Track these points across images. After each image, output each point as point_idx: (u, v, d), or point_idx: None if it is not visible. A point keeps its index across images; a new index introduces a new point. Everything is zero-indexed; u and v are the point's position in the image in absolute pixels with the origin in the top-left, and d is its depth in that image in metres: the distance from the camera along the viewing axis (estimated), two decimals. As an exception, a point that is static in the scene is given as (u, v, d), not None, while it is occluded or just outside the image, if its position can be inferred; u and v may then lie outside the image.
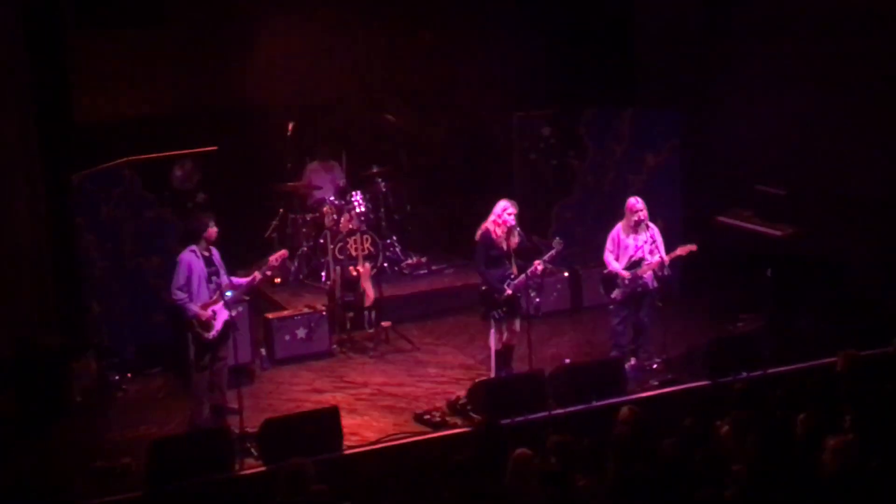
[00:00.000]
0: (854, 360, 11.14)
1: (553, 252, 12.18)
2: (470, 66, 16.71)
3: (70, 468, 11.31)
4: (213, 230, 11.73)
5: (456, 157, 17.04)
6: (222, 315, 11.74)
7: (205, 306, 11.63)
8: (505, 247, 12.19)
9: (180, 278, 11.60)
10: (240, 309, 12.84)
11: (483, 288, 12.38)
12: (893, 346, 11.63)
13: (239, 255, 14.23)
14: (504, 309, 12.28)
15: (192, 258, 11.65)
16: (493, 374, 12.52)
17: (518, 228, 12.22)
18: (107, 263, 13.26)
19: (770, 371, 12.48)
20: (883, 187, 14.60)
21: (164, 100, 15.65)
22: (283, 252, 12.38)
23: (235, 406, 11.84)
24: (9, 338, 12.82)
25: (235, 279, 11.97)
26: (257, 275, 11.97)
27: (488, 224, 12.23)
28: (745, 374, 12.38)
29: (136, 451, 11.33)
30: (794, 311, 14.15)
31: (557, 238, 12.32)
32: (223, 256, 11.95)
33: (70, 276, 13.14)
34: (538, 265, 12.13)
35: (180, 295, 11.59)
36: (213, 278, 11.70)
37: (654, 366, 12.96)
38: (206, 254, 11.71)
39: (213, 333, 11.69)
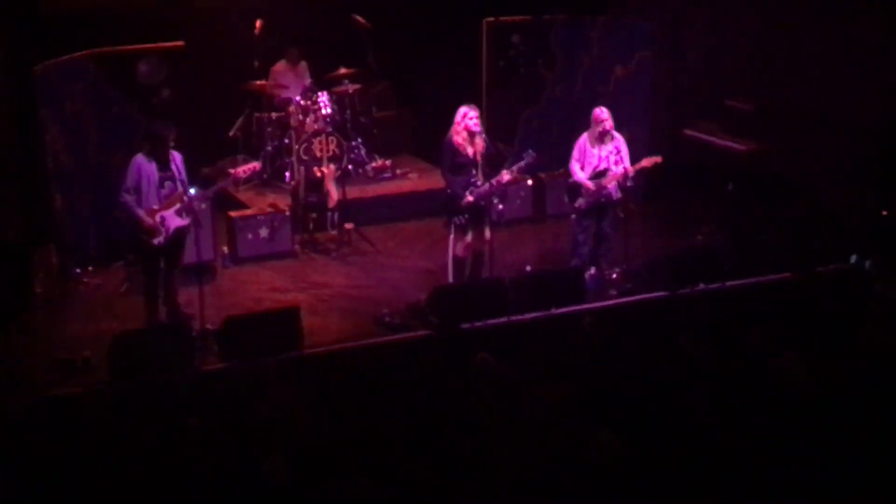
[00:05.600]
0: (809, 276, 11.28)
1: (522, 163, 12.13)
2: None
3: (31, 360, 11.34)
4: (172, 140, 11.55)
5: (424, 62, 16.94)
6: (172, 222, 11.62)
7: (152, 212, 11.51)
8: (470, 153, 12.16)
9: (129, 181, 11.52)
10: (202, 206, 12.72)
11: (446, 193, 12.41)
12: (850, 264, 11.79)
13: (203, 153, 14.14)
14: (466, 216, 12.28)
15: (143, 161, 11.53)
16: (450, 280, 12.56)
17: (482, 134, 12.19)
18: (71, 157, 13.16)
19: (728, 284, 12.60)
20: (848, 105, 14.65)
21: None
22: (254, 165, 12.21)
23: (189, 311, 11.94)
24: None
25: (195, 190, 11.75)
26: (220, 184, 11.85)
27: (451, 131, 12.20)
28: (703, 286, 12.51)
29: (97, 345, 11.36)
30: (755, 225, 14.27)
31: (530, 150, 12.26)
32: (187, 158, 11.83)
33: (33, 169, 13.03)
34: (505, 174, 12.10)
35: (127, 198, 11.51)
36: (166, 183, 11.56)
37: (614, 276, 13.04)
38: (165, 159, 11.54)
39: (159, 240, 11.58)
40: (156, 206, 11.53)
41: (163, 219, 11.57)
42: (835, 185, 14.56)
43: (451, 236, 12.44)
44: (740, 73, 15.71)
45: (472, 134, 12.10)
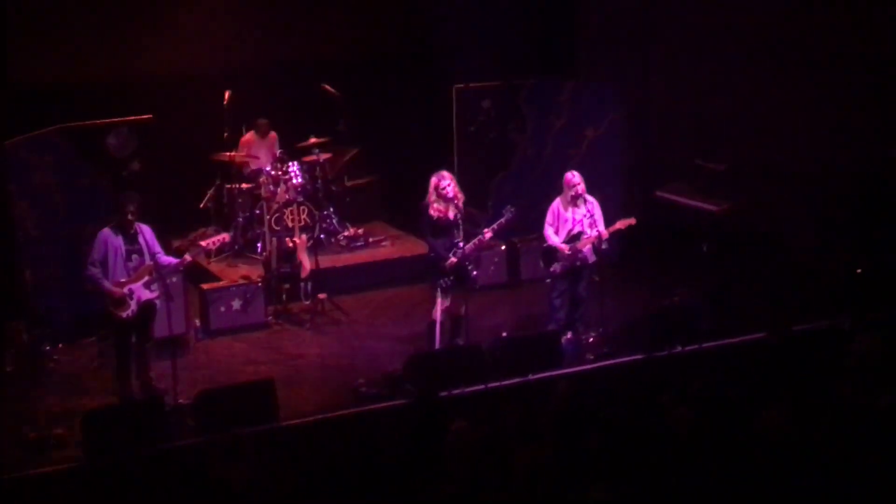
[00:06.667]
0: (786, 335, 11.25)
1: (503, 220, 12.24)
2: (410, 37, 16.60)
3: (2, 438, 11.18)
4: (129, 212, 11.50)
5: (395, 129, 16.94)
6: (141, 294, 11.61)
7: (119, 285, 11.50)
8: (451, 216, 12.16)
9: (95, 254, 11.56)
10: (174, 279, 12.65)
11: (430, 256, 12.36)
12: (833, 324, 11.77)
13: (174, 225, 14.04)
14: (451, 278, 12.24)
15: (109, 235, 11.57)
16: (437, 345, 12.46)
17: (459, 196, 12.17)
18: (40, 231, 13.07)
19: (705, 345, 12.54)
20: (818, 163, 14.71)
21: (100, 66, 15.39)
22: (223, 236, 12.26)
23: (162, 385, 11.86)
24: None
25: (163, 258, 11.76)
26: (187, 257, 11.89)
27: (428, 198, 12.17)
28: (680, 348, 12.45)
29: (69, 421, 11.26)
30: (730, 285, 14.24)
31: (509, 206, 12.33)
32: (158, 230, 11.81)
33: (2, 242, 12.93)
34: (487, 232, 12.20)
35: (93, 270, 11.55)
36: (134, 257, 11.59)
37: (591, 339, 12.99)
38: (131, 231, 11.56)
39: (127, 312, 11.57)
40: (123, 279, 11.49)
41: (131, 291, 11.53)
42: (808, 244, 14.58)
43: (438, 300, 12.37)
44: (710, 133, 15.78)
45: (449, 199, 12.08)
